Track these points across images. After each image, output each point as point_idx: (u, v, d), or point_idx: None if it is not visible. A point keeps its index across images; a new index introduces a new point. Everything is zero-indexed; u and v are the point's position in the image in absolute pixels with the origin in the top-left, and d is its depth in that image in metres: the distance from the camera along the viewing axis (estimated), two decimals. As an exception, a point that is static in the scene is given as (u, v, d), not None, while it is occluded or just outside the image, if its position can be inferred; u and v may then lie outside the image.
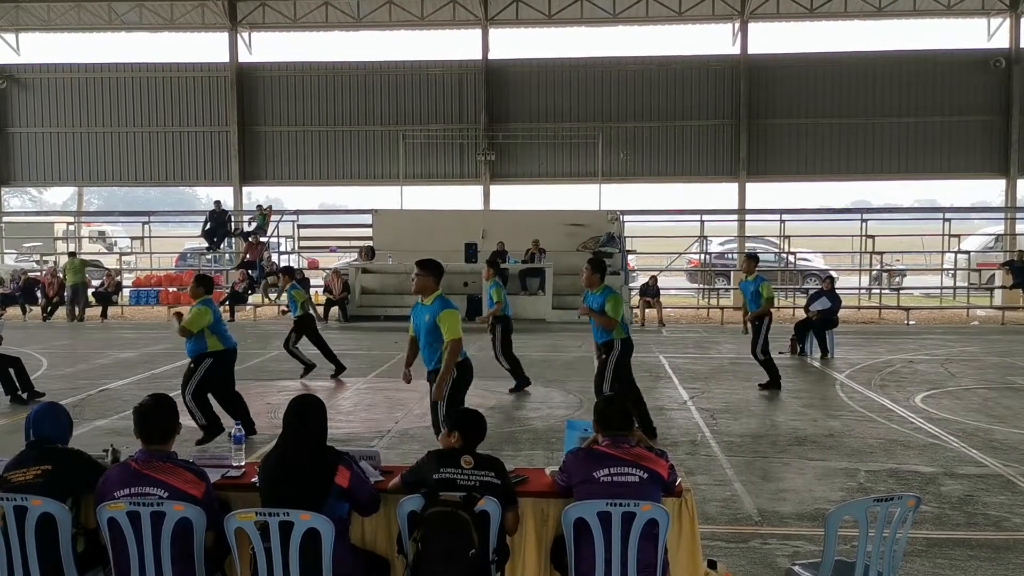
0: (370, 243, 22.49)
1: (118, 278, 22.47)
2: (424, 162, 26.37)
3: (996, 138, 24.96)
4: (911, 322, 20.13)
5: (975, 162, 25.29)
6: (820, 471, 7.42)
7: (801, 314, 16.13)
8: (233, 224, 24.91)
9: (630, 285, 21.27)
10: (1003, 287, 21.65)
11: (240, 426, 5.08)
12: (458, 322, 6.36)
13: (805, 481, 7.13)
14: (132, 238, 28.11)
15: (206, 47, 54.67)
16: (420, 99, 26.15)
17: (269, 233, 24.28)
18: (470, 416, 4.31)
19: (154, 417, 4.08)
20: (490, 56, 26.00)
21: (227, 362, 8.36)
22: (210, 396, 8.30)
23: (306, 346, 12.28)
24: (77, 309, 20.86)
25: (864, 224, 23.76)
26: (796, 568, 4.27)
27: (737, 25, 25.42)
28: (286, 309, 12.10)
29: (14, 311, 20.65)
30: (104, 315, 20.99)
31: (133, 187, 33.46)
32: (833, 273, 19.60)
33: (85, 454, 4.36)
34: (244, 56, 26.68)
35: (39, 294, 21.60)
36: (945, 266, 23.77)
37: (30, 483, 4.03)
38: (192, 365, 8.19)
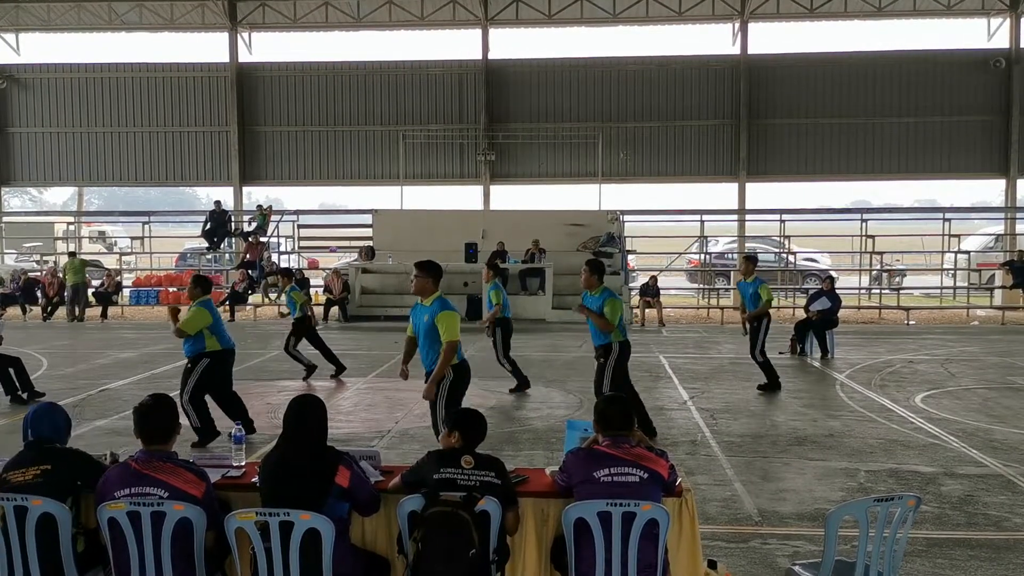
0: (370, 243, 22.50)
1: (118, 278, 22.47)
2: (424, 162, 26.37)
3: (996, 138, 24.96)
4: (911, 322, 20.13)
5: (975, 162, 25.29)
6: (820, 471, 7.42)
7: (801, 314, 16.14)
8: (233, 224, 24.90)
9: (630, 285, 21.27)
10: (1003, 287, 21.65)
11: (240, 426, 5.09)
12: (456, 324, 6.35)
13: (805, 481, 7.14)
14: (132, 238, 28.11)
15: (206, 47, 54.70)
16: (420, 99, 26.15)
17: (269, 233, 24.28)
18: (470, 416, 4.31)
19: (154, 417, 4.09)
20: (490, 56, 25.99)
21: (225, 363, 8.35)
22: (207, 398, 8.30)
23: (305, 347, 12.29)
24: (77, 309, 20.86)
25: (864, 224, 23.76)
26: (796, 568, 4.27)
27: (737, 25, 25.43)
28: (286, 311, 12.10)
29: (14, 311, 20.65)
30: (104, 315, 20.99)
31: (133, 187, 33.46)
32: (833, 273, 19.61)
33: (84, 453, 4.36)
34: (244, 56, 26.68)
35: (39, 294, 21.60)
36: (945, 266, 23.77)
37: (30, 483, 4.03)
38: (189, 366, 8.19)
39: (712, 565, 4.67)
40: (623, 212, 23.31)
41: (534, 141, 26.02)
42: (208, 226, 24.05)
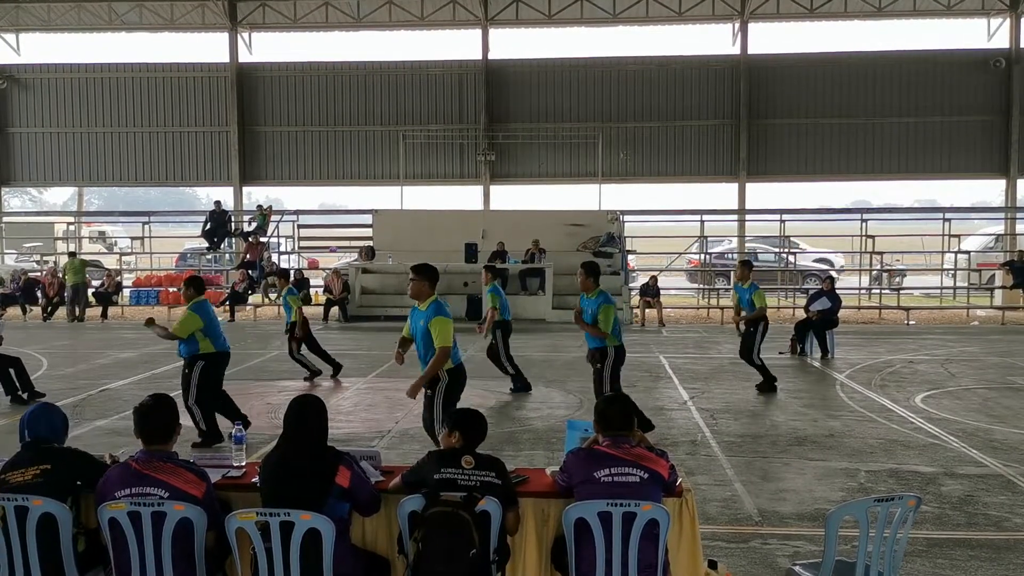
0: (370, 243, 22.50)
1: (118, 278, 22.46)
2: (424, 162, 26.37)
3: (996, 138, 24.97)
4: (911, 322, 20.13)
5: (975, 162, 25.29)
6: (820, 471, 7.42)
7: (801, 314, 16.14)
8: (233, 224, 24.90)
9: (630, 285, 21.27)
10: (1003, 287, 21.65)
11: (240, 426, 5.08)
12: (449, 330, 6.32)
13: (805, 481, 7.14)
14: (132, 238, 28.11)
15: (206, 47, 54.79)
16: (420, 99, 26.15)
17: (269, 233, 24.28)
18: (470, 416, 4.31)
19: (154, 417, 4.09)
20: (490, 56, 26.00)
21: (219, 364, 8.34)
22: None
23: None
24: (77, 309, 20.85)
25: (864, 224, 23.76)
26: (796, 568, 4.28)
27: (737, 25, 25.43)
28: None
29: (14, 311, 20.66)
30: (104, 315, 20.99)
31: (133, 187, 33.45)
32: (833, 273, 19.63)
33: (84, 453, 4.36)
34: (244, 56, 26.68)
35: (39, 294, 21.60)
36: (945, 266, 23.76)
37: (29, 483, 4.02)
38: (186, 370, 8.21)
39: (712, 565, 4.67)
40: (623, 212, 23.31)
41: (534, 141, 26.02)
42: (208, 226, 24.05)
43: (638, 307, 20.06)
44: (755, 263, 26.00)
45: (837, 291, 15.05)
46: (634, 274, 22.82)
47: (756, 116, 25.38)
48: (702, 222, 24.17)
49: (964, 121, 24.96)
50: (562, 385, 11.53)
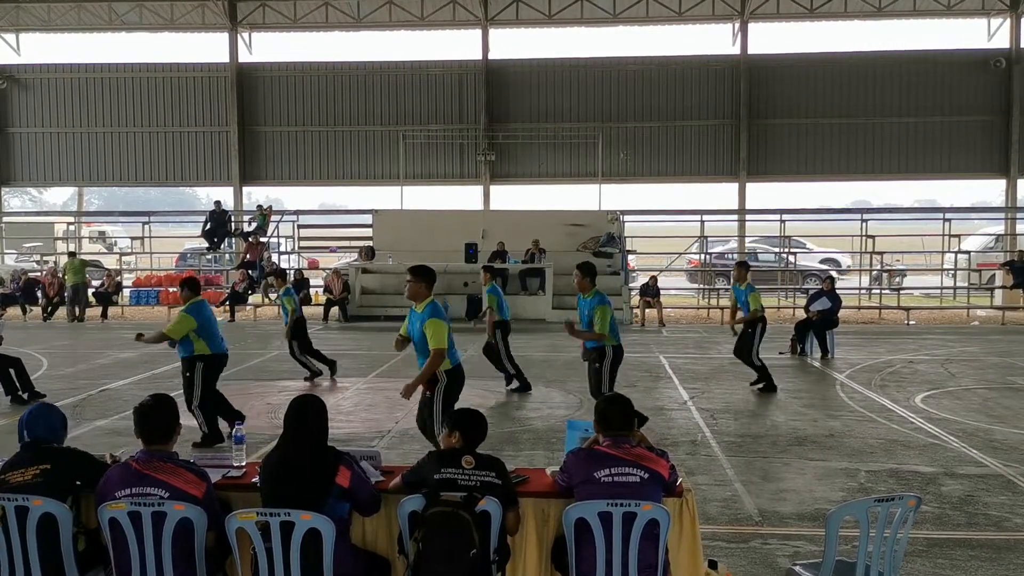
0: (370, 243, 22.50)
1: (118, 278, 22.46)
2: (424, 162, 26.37)
3: (996, 138, 24.96)
4: (911, 322, 20.13)
5: (975, 162, 25.29)
6: (820, 471, 7.42)
7: (801, 314, 16.14)
8: (233, 224, 24.89)
9: (630, 285, 21.27)
10: (1003, 287, 21.64)
11: (241, 426, 5.08)
12: (444, 332, 6.29)
13: (805, 481, 7.14)
14: (132, 238, 28.10)
15: (206, 47, 54.84)
16: (420, 99, 26.15)
17: (269, 233, 24.28)
18: (471, 416, 4.30)
19: (155, 417, 4.09)
20: (490, 56, 25.99)
21: (216, 366, 8.33)
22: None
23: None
24: (77, 309, 20.85)
25: (864, 224, 23.74)
26: (797, 568, 4.28)
27: (737, 25, 25.43)
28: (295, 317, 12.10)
29: (14, 311, 20.65)
30: (104, 315, 20.99)
31: (133, 187, 33.44)
32: (833, 273, 19.63)
33: (84, 452, 4.36)
34: (244, 56, 26.68)
35: (39, 294, 21.60)
36: (945, 266, 23.76)
37: (29, 483, 4.03)
38: (187, 373, 8.21)
39: (713, 565, 4.67)
40: (623, 212, 23.30)
41: (534, 141, 26.02)
42: (208, 226, 24.05)
43: (638, 307, 20.06)
44: (755, 263, 26.18)
45: (837, 291, 15.05)
46: (634, 274, 22.83)
47: (756, 116, 25.38)
48: (702, 222, 24.16)
49: (964, 121, 24.96)
50: (562, 385, 11.52)
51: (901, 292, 23.02)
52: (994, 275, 22.83)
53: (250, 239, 23.31)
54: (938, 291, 23.84)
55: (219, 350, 8.32)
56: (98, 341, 16.86)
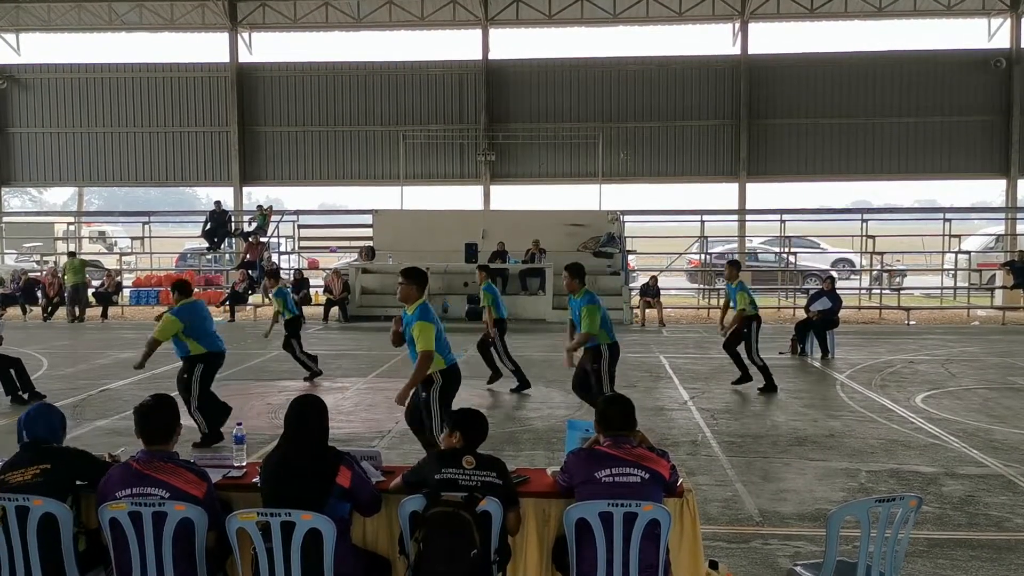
0: (370, 243, 22.50)
1: (118, 278, 22.46)
2: (424, 162, 26.37)
3: (996, 138, 24.96)
4: (911, 322, 20.13)
5: (975, 162, 25.28)
6: (821, 471, 7.42)
7: (801, 314, 16.14)
8: (233, 224, 24.90)
9: (630, 285, 21.27)
10: (1003, 287, 21.64)
11: (241, 425, 5.08)
12: (431, 334, 6.28)
13: (806, 481, 7.13)
14: (132, 238, 28.10)
15: (206, 47, 54.83)
16: (420, 99, 26.14)
17: (269, 233, 24.28)
18: (471, 416, 4.30)
19: (155, 417, 4.09)
20: (490, 56, 25.99)
21: (212, 365, 8.32)
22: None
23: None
24: (77, 309, 20.85)
25: (864, 224, 23.74)
26: (798, 568, 4.27)
27: (737, 25, 25.43)
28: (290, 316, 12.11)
29: (14, 311, 20.65)
30: (104, 315, 20.99)
31: (133, 187, 33.44)
32: (834, 273, 19.62)
33: (84, 452, 4.36)
34: (244, 56, 26.68)
35: (39, 294, 21.60)
36: (945, 266, 23.75)
37: (29, 483, 4.02)
38: (185, 374, 8.21)
39: (713, 565, 4.67)
40: (623, 212, 23.31)
41: (534, 141, 26.02)
42: (208, 226, 24.05)
43: (638, 307, 20.06)
44: (756, 263, 26.18)
45: (837, 291, 15.05)
46: (634, 274, 22.82)
47: (756, 116, 25.38)
48: (702, 222, 24.16)
49: (964, 121, 24.95)
50: (562, 385, 11.49)
51: (901, 292, 23.01)
52: (994, 275, 22.83)
53: (250, 239, 23.31)
54: (938, 291, 23.84)
55: (215, 349, 8.30)
56: (98, 341, 16.86)
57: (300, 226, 25.28)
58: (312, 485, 3.94)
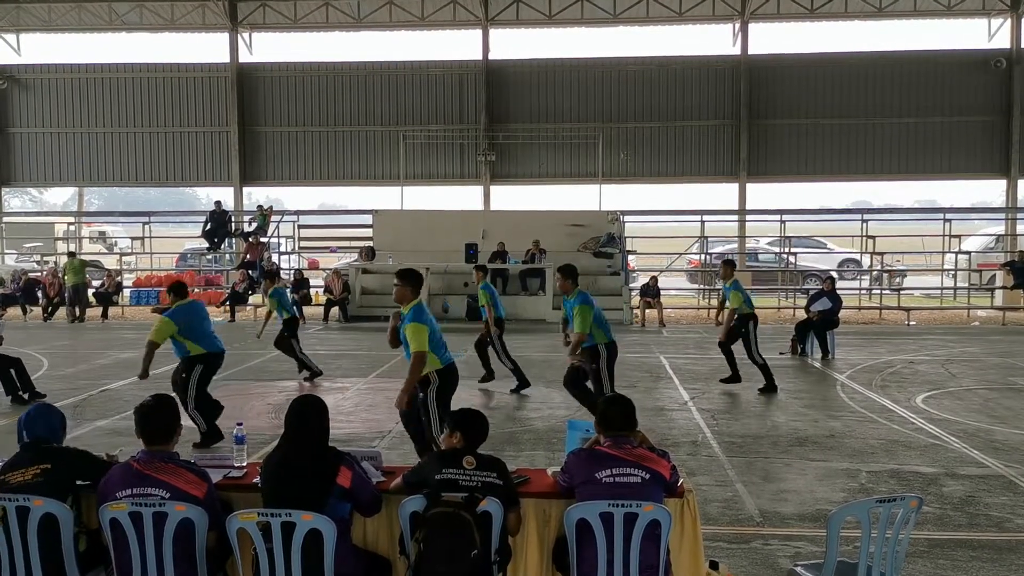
0: (370, 243, 22.50)
1: (118, 278, 22.45)
2: (424, 162, 26.37)
3: (997, 138, 24.96)
4: (912, 323, 20.12)
5: (975, 162, 25.29)
6: (821, 472, 7.42)
7: (801, 314, 16.14)
8: (233, 224, 24.90)
9: (630, 285, 21.27)
10: (1004, 288, 21.64)
11: (241, 426, 5.08)
12: (423, 335, 6.27)
13: (806, 482, 7.13)
14: (132, 238, 28.10)
15: (206, 47, 54.85)
16: (420, 99, 26.15)
17: (269, 233, 24.28)
18: (472, 416, 4.30)
19: (155, 418, 4.09)
20: (490, 56, 26.00)
21: (211, 366, 8.31)
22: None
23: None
24: (77, 309, 20.84)
25: (864, 224, 23.74)
26: (798, 569, 4.27)
27: (737, 25, 25.43)
28: (287, 316, 12.11)
29: (14, 311, 20.66)
30: (104, 315, 20.99)
31: (133, 187, 33.45)
32: (834, 273, 19.63)
33: (84, 451, 4.36)
34: (244, 56, 26.68)
35: (39, 294, 21.60)
36: (946, 266, 23.76)
37: (29, 483, 4.02)
38: (183, 375, 8.20)
39: (714, 566, 4.67)
40: (623, 212, 23.31)
41: (534, 141, 26.02)
42: (208, 226, 24.05)
43: (638, 307, 20.06)
44: (756, 263, 26.17)
45: (837, 291, 15.05)
46: (634, 274, 22.82)
47: (756, 116, 25.38)
48: (702, 222, 24.15)
49: (964, 121, 24.96)
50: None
51: (901, 292, 23.01)
52: (994, 275, 22.82)
53: (250, 239, 23.31)
54: (938, 291, 23.84)
55: (214, 349, 8.29)
56: (98, 341, 16.86)
57: (300, 226, 25.27)
58: (312, 485, 3.94)
